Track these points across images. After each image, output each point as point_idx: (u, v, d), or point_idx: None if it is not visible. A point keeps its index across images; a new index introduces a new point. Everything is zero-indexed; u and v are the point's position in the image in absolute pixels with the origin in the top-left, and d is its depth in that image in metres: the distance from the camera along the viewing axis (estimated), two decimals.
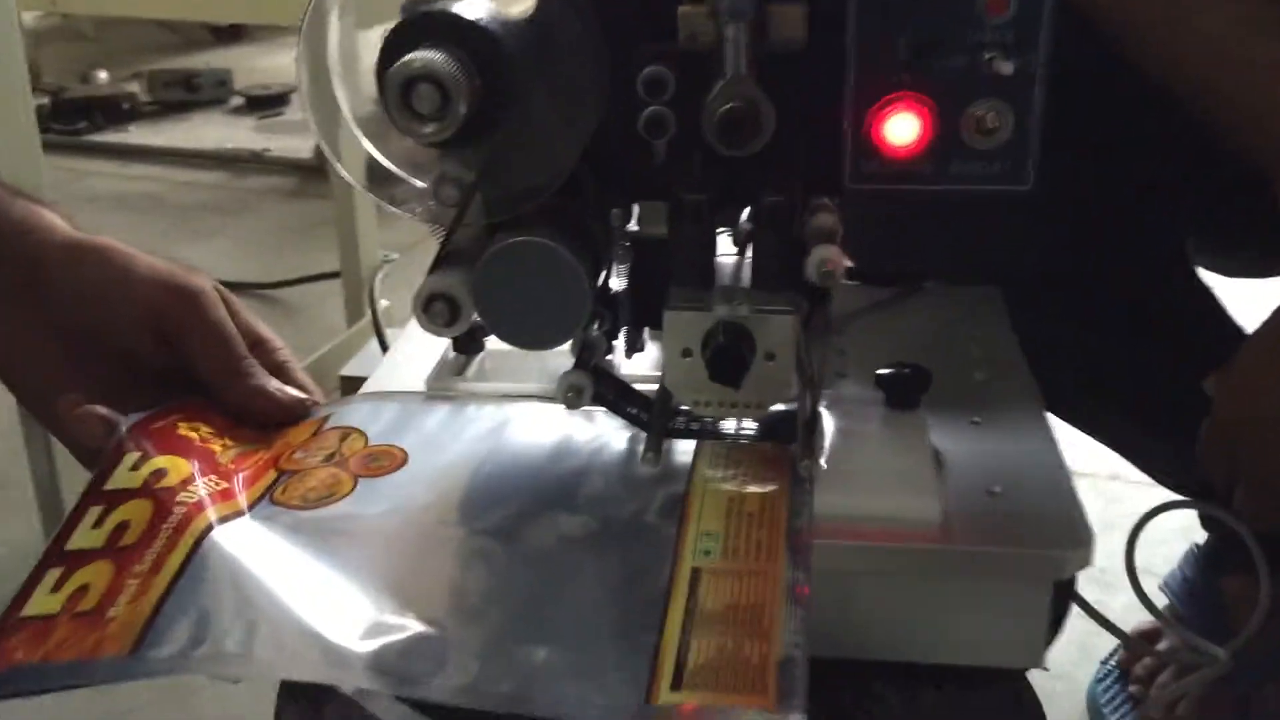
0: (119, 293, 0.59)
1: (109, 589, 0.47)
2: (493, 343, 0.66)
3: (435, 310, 0.52)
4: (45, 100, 2.65)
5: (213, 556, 0.48)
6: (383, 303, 1.52)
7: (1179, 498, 0.65)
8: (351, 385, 1.46)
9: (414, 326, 0.75)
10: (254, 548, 0.49)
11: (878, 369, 0.59)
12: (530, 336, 0.53)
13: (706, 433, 0.57)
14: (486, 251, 0.51)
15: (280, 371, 0.62)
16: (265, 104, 2.77)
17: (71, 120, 2.61)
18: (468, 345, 0.66)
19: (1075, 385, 0.73)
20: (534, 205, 0.53)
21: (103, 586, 0.47)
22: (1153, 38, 0.59)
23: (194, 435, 0.57)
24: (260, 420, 0.60)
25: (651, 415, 0.56)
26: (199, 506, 0.51)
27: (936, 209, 0.61)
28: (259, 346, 0.62)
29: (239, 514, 0.51)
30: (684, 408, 0.57)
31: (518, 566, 0.50)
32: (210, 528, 0.49)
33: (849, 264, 0.51)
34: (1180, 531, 1.01)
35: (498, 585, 0.49)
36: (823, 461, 0.53)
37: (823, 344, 0.55)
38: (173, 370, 0.60)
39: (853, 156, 0.54)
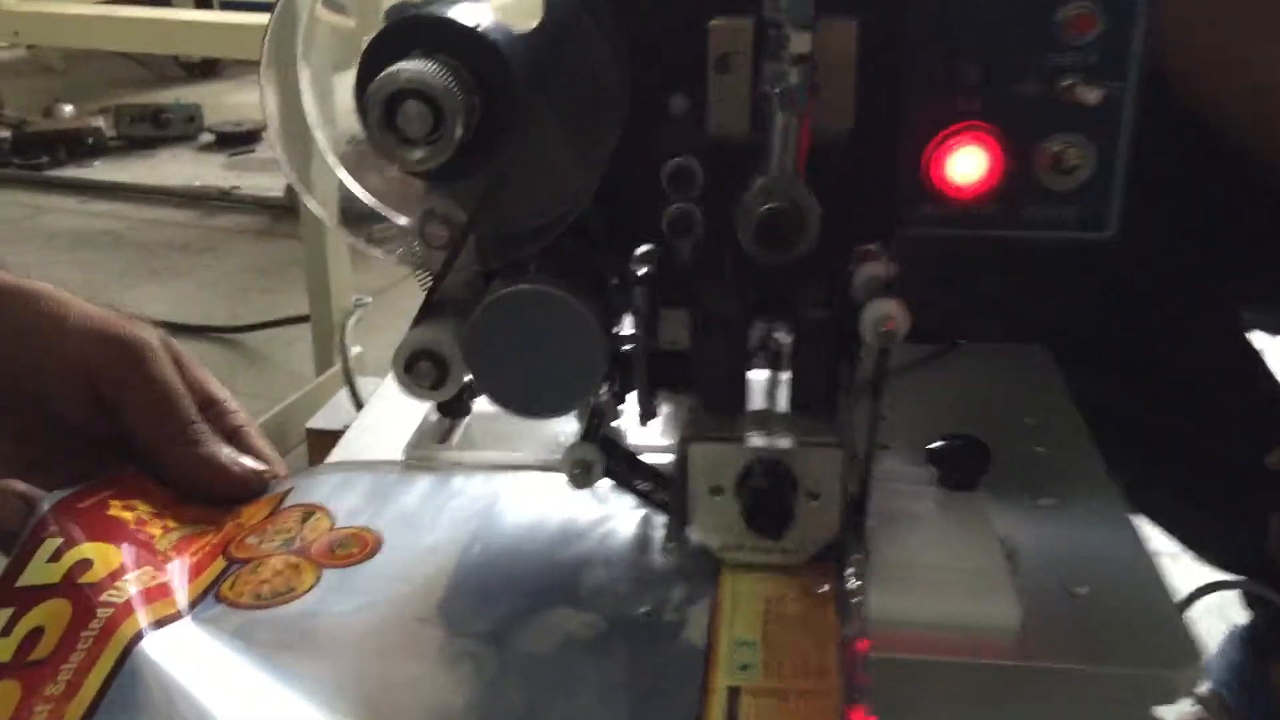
0: (47, 345, 0.50)
1: (15, 716, 0.38)
2: (481, 404, 0.58)
3: (420, 370, 0.44)
4: (6, 134, 2.56)
5: (143, 673, 0.39)
6: (354, 349, 1.43)
7: (1229, 577, 0.58)
8: (319, 439, 1.37)
9: (390, 384, 0.67)
10: (194, 659, 0.40)
11: (923, 439, 0.52)
12: (532, 403, 0.45)
13: None
14: (482, 301, 0.43)
15: (235, 437, 0.54)
16: (236, 141, 2.69)
17: (33, 155, 2.52)
18: (453, 408, 0.57)
19: (1121, 457, 0.65)
20: (536, 249, 0.45)
21: (6, 711, 0.38)
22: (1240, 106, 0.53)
23: (128, 516, 0.48)
24: (209, 496, 0.51)
25: (671, 496, 0.48)
26: (128, 608, 0.42)
27: (988, 257, 0.54)
28: (211, 408, 0.54)
29: (176, 616, 0.43)
30: None
31: (513, 678, 0.42)
32: (140, 635, 0.41)
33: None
34: (1214, 610, 0.93)
35: (488, 702, 0.41)
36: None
37: (875, 410, 0.46)
38: (110, 438, 0.51)
39: (911, 197, 0.47)
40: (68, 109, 2.87)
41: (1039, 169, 0.46)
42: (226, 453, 0.52)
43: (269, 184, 2.34)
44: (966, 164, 0.46)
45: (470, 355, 0.43)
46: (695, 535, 0.45)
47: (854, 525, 0.46)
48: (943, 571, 0.45)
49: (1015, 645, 0.42)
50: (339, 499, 0.50)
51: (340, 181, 0.50)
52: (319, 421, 1.30)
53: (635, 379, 0.51)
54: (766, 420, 0.44)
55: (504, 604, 0.45)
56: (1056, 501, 0.51)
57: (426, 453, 0.55)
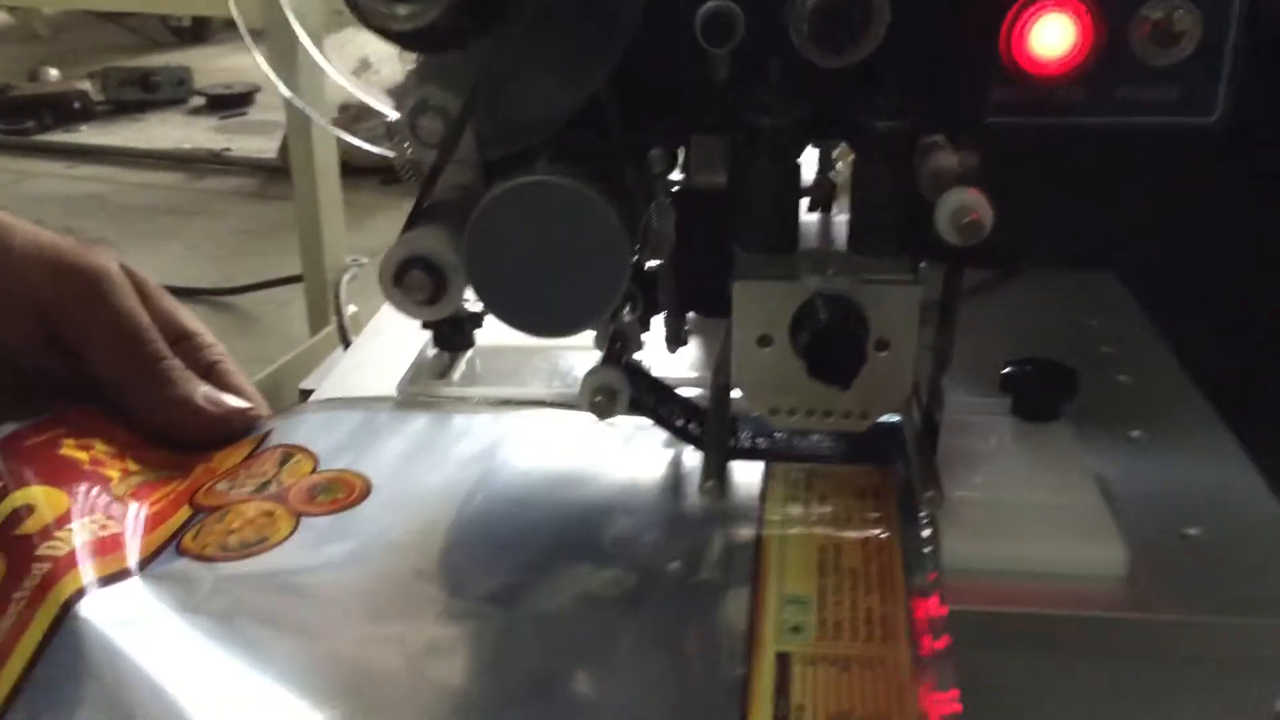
0: None
1: None
2: (485, 336, 0.51)
3: (412, 281, 0.37)
4: None
5: (83, 638, 0.33)
6: (350, 309, 1.36)
7: None
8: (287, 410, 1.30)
9: (383, 318, 0.60)
10: (146, 622, 0.34)
11: (983, 369, 0.45)
12: (545, 318, 0.38)
13: (778, 452, 0.42)
14: (485, 198, 0.36)
15: (211, 374, 0.47)
16: (227, 104, 2.61)
17: (17, 119, 2.45)
18: (453, 340, 0.51)
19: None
20: (543, 138, 0.38)
21: None
22: None
23: (82, 456, 0.41)
24: (184, 440, 0.44)
25: (707, 428, 0.41)
26: (70, 560, 0.35)
27: (1063, 158, 0.47)
28: (184, 342, 0.47)
29: (126, 574, 0.36)
30: (746, 417, 0.42)
31: (526, 643, 0.35)
32: (81, 593, 0.34)
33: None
34: None
35: (498, 669, 0.34)
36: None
37: (948, 330, 0.40)
38: (67, 382, 0.45)
39: (983, 77, 0.40)
40: (53, 73, 2.79)
41: (1135, 40, 0.39)
42: (203, 391, 0.45)
43: (261, 145, 2.27)
44: (1051, 36, 0.39)
45: (472, 262, 0.37)
46: (740, 394, 0.38)
47: (924, 459, 0.39)
48: (1030, 511, 0.38)
49: (1124, 594, 0.35)
50: (323, 439, 0.43)
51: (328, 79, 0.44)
52: (313, 382, 1.23)
53: (662, 297, 0.44)
54: (823, 259, 0.37)
55: (513, 558, 0.38)
56: (1150, 434, 0.44)
57: (424, 389, 0.49)
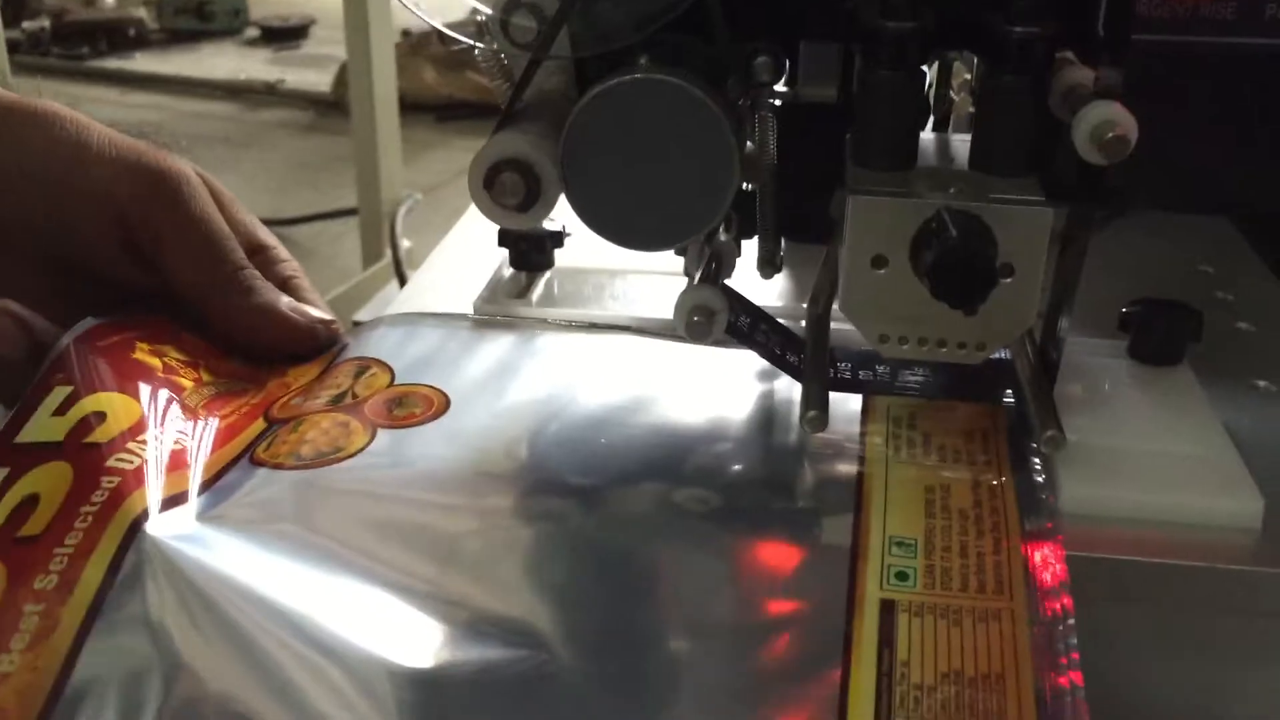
0: (66, 175, 0.41)
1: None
2: (565, 257, 0.49)
3: (504, 184, 0.34)
4: (46, 23, 2.47)
5: (152, 564, 0.31)
6: (405, 243, 1.35)
7: None
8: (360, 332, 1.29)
9: (454, 239, 0.58)
10: (215, 537, 0.32)
11: (1094, 310, 0.42)
12: (644, 229, 0.35)
13: (880, 385, 0.40)
14: (587, 94, 0.34)
15: (287, 289, 0.45)
16: (282, 36, 2.59)
17: (73, 45, 2.44)
18: (531, 259, 0.48)
19: None
20: (640, 39, 0.35)
21: None
22: None
23: (155, 363, 0.39)
24: (267, 349, 0.43)
25: (807, 357, 0.39)
26: (138, 476, 0.33)
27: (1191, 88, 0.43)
28: (260, 254, 0.45)
29: (197, 489, 0.34)
30: (845, 349, 0.40)
31: (605, 541, 0.34)
32: (147, 513, 0.32)
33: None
34: None
35: (575, 564, 0.33)
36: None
37: (1071, 263, 0.37)
38: (141, 291, 0.43)
39: None
40: None
41: None
42: (286, 301, 0.43)
43: (315, 79, 2.25)
44: None
45: (569, 165, 0.34)
46: (848, 317, 0.36)
47: (1042, 395, 0.37)
48: (1156, 458, 0.35)
49: (1258, 547, 0.33)
50: (400, 354, 0.41)
51: None
52: (367, 314, 1.22)
53: (760, 218, 0.41)
54: (945, 177, 0.35)
55: (595, 473, 0.36)
56: (1276, 384, 0.41)
57: (500, 309, 0.46)
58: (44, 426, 0.35)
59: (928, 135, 0.39)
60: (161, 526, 0.32)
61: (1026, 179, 0.35)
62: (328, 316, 0.43)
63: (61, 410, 0.36)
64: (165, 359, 0.40)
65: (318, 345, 0.42)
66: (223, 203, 0.44)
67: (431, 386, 0.39)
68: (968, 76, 0.45)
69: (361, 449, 0.36)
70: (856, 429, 0.38)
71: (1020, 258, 0.34)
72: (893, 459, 0.36)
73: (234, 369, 0.42)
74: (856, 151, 0.36)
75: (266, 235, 0.46)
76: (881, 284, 0.35)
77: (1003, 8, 0.34)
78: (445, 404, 0.38)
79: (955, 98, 0.43)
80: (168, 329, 0.42)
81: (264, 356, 0.42)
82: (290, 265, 0.46)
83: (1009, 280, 0.34)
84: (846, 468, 0.36)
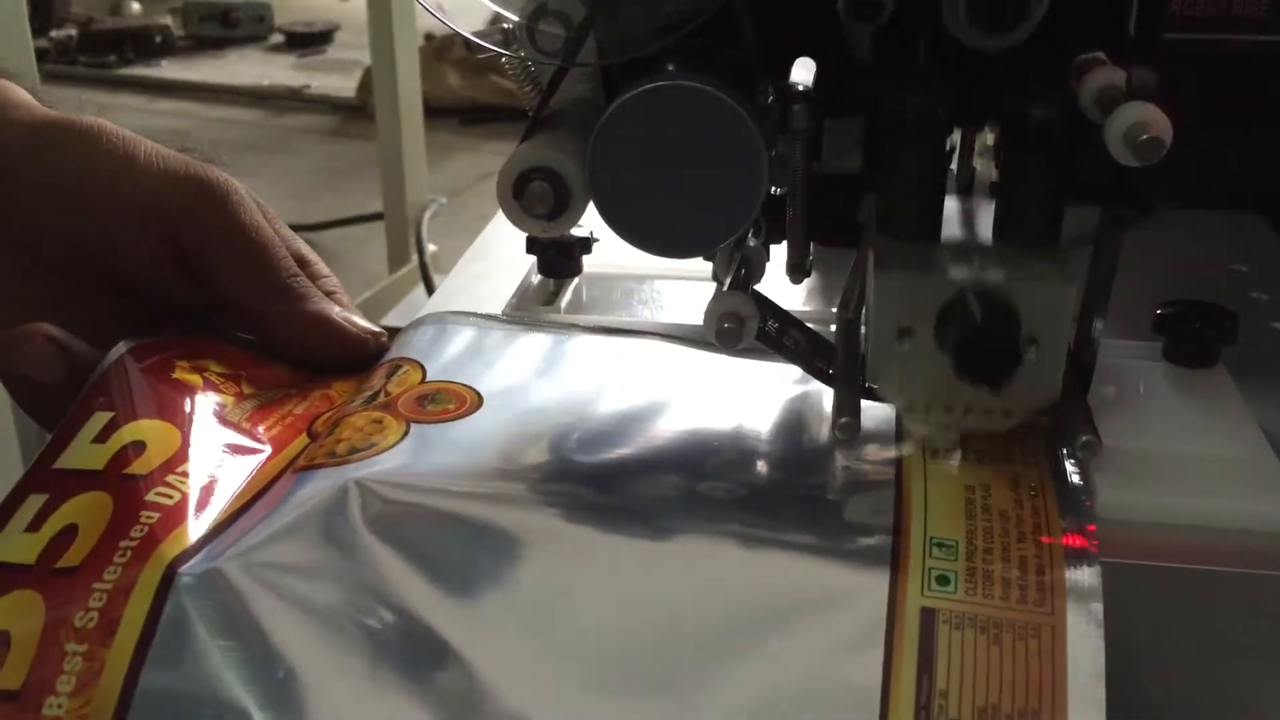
0: (112, 190, 0.41)
1: (40, 649, 0.30)
2: (593, 262, 0.49)
3: (534, 192, 0.34)
4: (73, 31, 2.49)
5: (196, 606, 0.31)
6: (430, 247, 1.35)
7: None
8: (393, 337, 1.30)
9: (482, 244, 0.58)
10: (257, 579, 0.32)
11: (1127, 311, 0.42)
12: (673, 236, 0.35)
13: None
14: (615, 101, 0.34)
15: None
16: (307, 41, 2.61)
17: (100, 53, 2.46)
18: (559, 265, 0.48)
19: None
20: (667, 45, 0.35)
21: (28, 637, 0.30)
22: None
23: (195, 380, 0.39)
24: (315, 358, 0.42)
25: (838, 363, 0.39)
26: (179, 513, 0.33)
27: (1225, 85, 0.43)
28: (303, 269, 0.45)
29: (233, 518, 0.34)
30: None
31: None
32: (185, 555, 0.32)
33: None
34: None
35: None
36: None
37: (1104, 268, 0.37)
38: (185, 306, 0.43)
39: None
40: (135, 6, 2.80)
41: None
42: (339, 310, 0.43)
43: (340, 84, 2.26)
44: None
45: (596, 172, 0.34)
46: (875, 385, 0.36)
47: (1076, 402, 0.36)
48: (1194, 462, 0.35)
49: None
50: (433, 353, 0.41)
51: None
52: (393, 320, 1.22)
53: (789, 223, 0.41)
54: (968, 251, 0.35)
55: (621, 468, 0.36)
56: None
57: (529, 316, 0.46)
58: (84, 453, 0.35)
59: (951, 203, 0.38)
60: (201, 566, 0.32)
61: (1047, 250, 0.35)
62: (376, 328, 0.43)
63: (102, 438, 0.35)
64: (206, 374, 0.40)
65: (367, 356, 0.42)
66: (269, 215, 0.44)
67: (463, 384, 0.39)
68: (990, 142, 0.44)
69: (395, 444, 0.36)
70: (890, 429, 0.37)
71: (1044, 331, 0.34)
72: (930, 456, 0.36)
73: (278, 375, 0.42)
74: (882, 221, 0.36)
75: (308, 250, 0.46)
76: (907, 355, 0.34)
77: (1021, 89, 0.34)
78: (478, 401, 0.38)
79: (977, 167, 0.42)
80: (209, 342, 0.42)
81: (313, 366, 0.42)
82: (331, 280, 0.46)
83: (1033, 351, 0.34)
84: (885, 468, 0.36)
